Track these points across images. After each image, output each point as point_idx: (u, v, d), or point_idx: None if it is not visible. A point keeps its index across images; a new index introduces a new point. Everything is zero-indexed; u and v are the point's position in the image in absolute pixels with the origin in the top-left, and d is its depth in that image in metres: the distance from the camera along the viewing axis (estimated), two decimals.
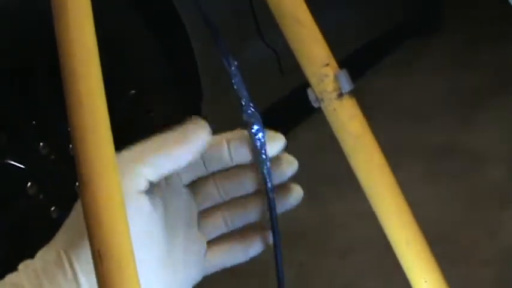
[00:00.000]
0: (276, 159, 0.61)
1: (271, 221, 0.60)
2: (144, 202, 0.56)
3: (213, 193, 0.62)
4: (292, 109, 2.71)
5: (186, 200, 0.61)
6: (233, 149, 0.60)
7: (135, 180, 0.56)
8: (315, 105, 0.54)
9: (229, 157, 0.60)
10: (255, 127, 0.58)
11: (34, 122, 1.67)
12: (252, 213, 0.62)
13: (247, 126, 0.59)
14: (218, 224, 0.63)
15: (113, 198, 0.44)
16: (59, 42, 0.46)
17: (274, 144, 0.60)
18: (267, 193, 0.59)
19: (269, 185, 0.59)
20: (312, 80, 0.53)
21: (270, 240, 0.62)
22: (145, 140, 0.59)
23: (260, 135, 0.58)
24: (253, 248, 0.63)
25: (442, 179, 2.47)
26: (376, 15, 3.27)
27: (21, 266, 0.58)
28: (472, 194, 2.37)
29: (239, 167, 0.61)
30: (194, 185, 0.62)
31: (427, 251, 0.54)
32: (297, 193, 0.63)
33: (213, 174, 0.62)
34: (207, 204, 0.62)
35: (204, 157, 0.60)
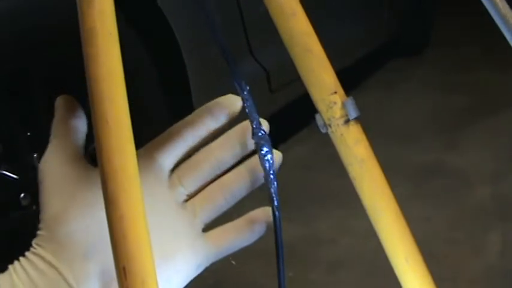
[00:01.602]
0: None
1: (275, 239, 0.62)
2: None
3: (204, 167, 0.64)
4: (280, 127, 2.73)
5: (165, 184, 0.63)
6: (213, 109, 0.64)
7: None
8: (323, 130, 0.57)
9: (211, 118, 0.64)
10: (265, 149, 0.61)
11: (28, 133, 1.67)
12: (247, 182, 0.64)
13: (256, 148, 0.61)
14: (218, 202, 0.64)
15: (138, 216, 0.46)
16: (87, 66, 0.49)
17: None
18: (273, 211, 0.62)
19: (276, 203, 0.61)
20: (321, 106, 0.56)
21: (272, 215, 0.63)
22: None
23: (269, 157, 0.61)
24: (258, 223, 0.64)
25: (428, 199, 2.50)
26: (362, 34, 3.29)
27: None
28: (457, 213, 2.39)
29: (221, 137, 0.64)
30: (182, 167, 0.64)
31: (425, 268, 0.57)
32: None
33: (199, 149, 0.64)
34: (199, 182, 0.64)
35: (184, 135, 0.63)
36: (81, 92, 0.62)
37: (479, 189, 2.53)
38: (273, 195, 0.61)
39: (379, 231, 0.57)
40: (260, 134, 0.61)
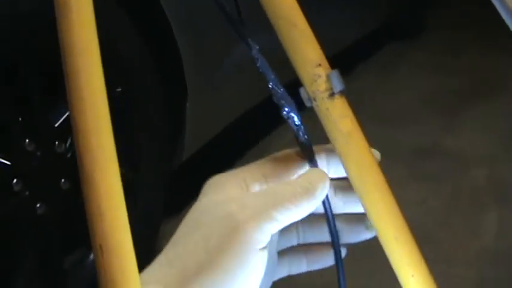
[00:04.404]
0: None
1: (324, 207, 0.59)
2: (263, 259, 0.53)
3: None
4: (273, 110, 2.71)
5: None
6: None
7: (259, 236, 0.52)
8: (307, 104, 0.55)
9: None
10: (286, 109, 0.56)
11: (20, 119, 1.66)
12: (324, 234, 0.61)
13: (278, 109, 0.57)
14: (292, 241, 0.63)
15: (114, 193, 0.45)
16: (62, 41, 0.47)
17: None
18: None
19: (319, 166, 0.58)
20: (305, 80, 0.54)
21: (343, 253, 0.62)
22: (261, 186, 0.57)
23: (296, 118, 0.57)
24: (322, 262, 0.64)
25: (424, 181, 2.49)
26: (358, 17, 3.28)
27: None
28: (453, 195, 2.39)
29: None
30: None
31: (415, 246, 0.55)
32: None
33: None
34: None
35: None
36: None
37: (475, 171, 2.53)
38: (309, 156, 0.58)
39: (367, 208, 0.55)
40: (279, 94, 0.56)
